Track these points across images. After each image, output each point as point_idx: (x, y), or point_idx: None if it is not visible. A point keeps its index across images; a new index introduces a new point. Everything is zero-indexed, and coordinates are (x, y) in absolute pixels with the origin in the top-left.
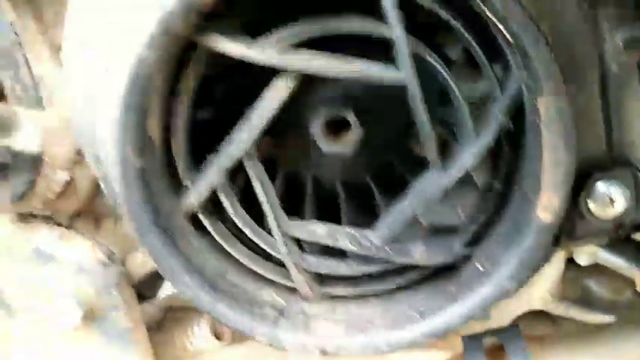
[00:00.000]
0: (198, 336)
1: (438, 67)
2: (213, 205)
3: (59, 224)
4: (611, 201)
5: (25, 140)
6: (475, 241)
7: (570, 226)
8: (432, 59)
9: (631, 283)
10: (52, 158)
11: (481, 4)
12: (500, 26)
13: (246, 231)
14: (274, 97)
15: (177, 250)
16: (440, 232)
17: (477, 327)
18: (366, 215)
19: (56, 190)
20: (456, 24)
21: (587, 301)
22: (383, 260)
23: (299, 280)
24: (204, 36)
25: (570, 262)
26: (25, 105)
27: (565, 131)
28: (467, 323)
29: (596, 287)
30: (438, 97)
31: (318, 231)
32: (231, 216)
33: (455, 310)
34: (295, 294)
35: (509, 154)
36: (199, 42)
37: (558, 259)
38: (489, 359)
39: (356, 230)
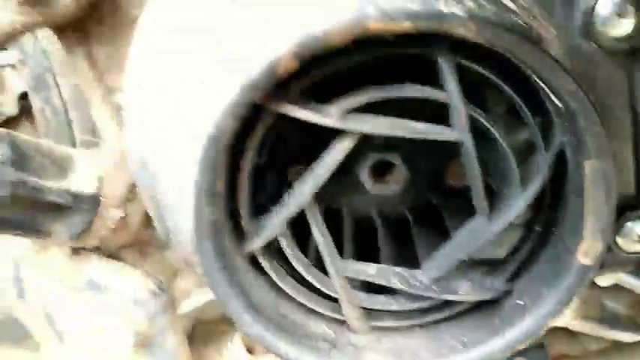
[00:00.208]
0: (231, 350)
1: (487, 124)
2: (267, 245)
3: (109, 255)
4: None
5: (82, 181)
6: (515, 276)
7: None
8: (481, 118)
9: None
10: (107, 197)
11: (533, 74)
12: (552, 96)
13: (301, 270)
14: (336, 154)
15: (240, 291)
16: (481, 266)
17: None
18: (401, 244)
19: (111, 227)
20: (504, 85)
21: (607, 319)
22: (430, 297)
23: (350, 316)
24: (277, 102)
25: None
26: (54, 128)
27: (608, 189)
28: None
29: (616, 305)
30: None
31: (369, 271)
32: (290, 258)
33: (496, 342)
34: (343, 326)
35: (550, 200)
36: (272, 107)
37: None
38: None
39: (405, 270)
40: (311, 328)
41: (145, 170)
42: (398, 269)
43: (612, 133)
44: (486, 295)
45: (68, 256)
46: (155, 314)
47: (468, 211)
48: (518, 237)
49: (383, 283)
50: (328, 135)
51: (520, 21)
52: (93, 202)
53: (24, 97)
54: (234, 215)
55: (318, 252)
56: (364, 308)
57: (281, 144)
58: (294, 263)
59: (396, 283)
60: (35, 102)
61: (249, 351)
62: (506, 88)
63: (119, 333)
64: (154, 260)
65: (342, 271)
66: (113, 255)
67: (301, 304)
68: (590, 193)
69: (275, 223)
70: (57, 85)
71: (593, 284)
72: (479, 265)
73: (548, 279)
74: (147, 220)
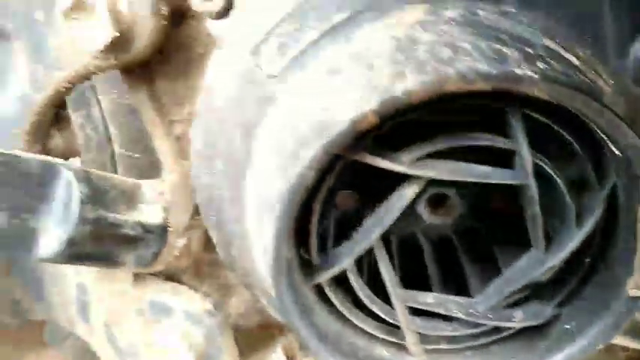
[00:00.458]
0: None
1: (551, 172)
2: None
3: (167, 277)
4: None
5: (151, 212)
6: (563, 301)
7: None
8: (546, 166)
9: None
10: (173, 226)
11: (593, 125)
12: (610, 144)
13: (366, 301)
14: (405, 198)
15: (311, 322)
16: (532, 292)
17: None
18: (444, 261)
19: (176, 255)
20: (564, 131)
21: (636, 329)
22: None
23: (410, 341)
24: (352, 150)
25: None
26: (94, 142)
27: None
28: None
29: None
30: None
31: (428, 300)
32: (356, 290)
33: None
34: (401, 349)
35: (600, 233)
36: (347, 155)
37: None
38: None
39: (462, 299)
40: (372, 352)
41: (212, 207)
42: (455, 298)
43: None
44: (537, 321)
45: (131, 278)
46: (212, 333)
47: (511, 232)
48: (568, 267)
49: (442, 311)
50: None
51: (585, 79)
52: (161, 232)
53: None
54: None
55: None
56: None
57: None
58: (361, 295)
59: (455, 312)
60: (75, 117)
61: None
62: (565, 134)
63: (178, 352)
64: (209, 279)
65: (404, 300)
66: (171, 276)
67: (362, 330)
68: None
69: (345, 261)
70: (98, 102)
71: None
72: (530, 291)
73: (596, 307)
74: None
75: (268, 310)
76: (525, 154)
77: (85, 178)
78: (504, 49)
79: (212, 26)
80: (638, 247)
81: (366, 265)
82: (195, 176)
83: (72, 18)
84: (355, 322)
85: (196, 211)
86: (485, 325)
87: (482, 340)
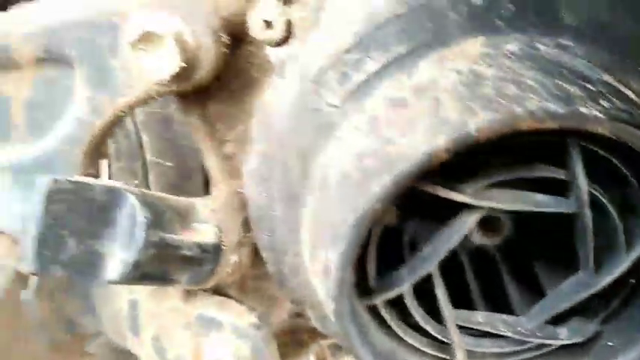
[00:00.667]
0: None
1: (604, 201)
2: None
3: (214, 291)
4: None
5: (205, 231)
6: (606, 319)
7: None
8: (601, 196)
9: None
10: (226, 244)
11: None
12: None
13: (420, 321)
14: (466, 226)
15: (367, 341)
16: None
17: None
18: (483, 277)
19: (228, 272)
20: (616, 160)
21: None
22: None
23: (460, 358)
24: (419, 182)
25: None
26: (125, 149)
27: None
28: None
29: None
30: None
31: (479, 319)
32: (411, 310)
33: None
34: None
35: None
36: (417, 186)
37: None
38: None
39: (510, 318)
40: None
41: (265, 227)
42: (504, 317)
43: None
44: (581, 338)
45: (181, 294)
46: (258, 347)
47: (551, 247)
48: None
49: (491, 330)
50: None
51: None
52: (216, 250)
53: None
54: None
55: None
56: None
57: None
58: (416, 315)
59: (503, 331)
60: None
61: None
62: (618, 163)
63: None
64: (253, 293)
65: (456, 320)
66: (218, 290)
67: (413, 347)
68: None
69: (405, 285)
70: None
71: None
72: (574, 309)
73: (638, 326)
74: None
75: (315, 324)
76: (582, 186)
77: (145, 201)
78: (568, 87)
79: (271, 53)
80: None
81: None
82: (250, 196)
83: (139, 48)
84: (408, 340)
85: (245, 228)
86: (530, 342)
87: (527, 355)
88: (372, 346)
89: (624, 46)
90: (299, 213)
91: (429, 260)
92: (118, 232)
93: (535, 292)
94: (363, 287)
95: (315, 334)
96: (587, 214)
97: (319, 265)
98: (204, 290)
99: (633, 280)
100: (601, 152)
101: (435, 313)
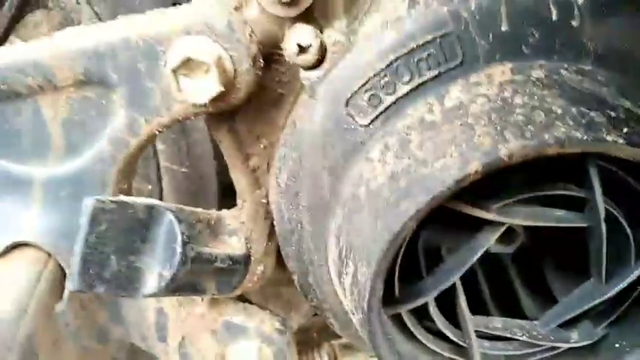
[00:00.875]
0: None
1: (619, 217)
2: None
3: (239, 297)
4: None
5: (235, 243)
6: (614, 322)
7: None
8: (616, 213)
9: None
10: (254, 255)
11: None
12: None
13: (442, 327)
14: (489, 240)
15: (394, 349)
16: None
17: None
18: (498, 286)
19: (255, 281)
20: (629, 178)
21: None
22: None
23: None
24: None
25: None
26: (142, 169)
27: None
28: None
29: None
30: None
31: (497, 325)
32: (433, 317)
33: None
34: None
35: None
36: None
37: None
38: None
39: (525, 323)
40: None
41: (292, 239)
42: (520, 322)
43: None
44: (591, 341)
45: (207, 301)
46: (281, 350)
47: (560, 252)
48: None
49: (508, 335)
50: None
51: None
52: (246, 261)
53: None
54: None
55: None
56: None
57: None
58: (437, 322)
59: (520, 335)
60: None
61: None
62: (631, 180)
63: None
64: (272, 298)
65: (477, 326)
66: (240, 296)
67: (432, 350)
68: None
69: (430, 296)
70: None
71: None
72: (584, 313)
73: None
74: None
75: (337, 330)
76: (600, 203)
77: (180, 217)
78: (592, 114)
79: (304, 75)
80: None
81: None
82: (278, 209)
83: (181, 74)
84: (428, 344)
85: (269, 238)
86: (543, 345)
87: (539, 357)
88: (398, 354)
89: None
90: (327, 226)
91: (453, 272)
92: (157, 248)
93: (542, 291)
94: (387, 296)
95: (327, 334)
96: (603, 229)
97: (348, 276)
98: (230, 297)
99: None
100: (615, 169)
101: (447, 316)
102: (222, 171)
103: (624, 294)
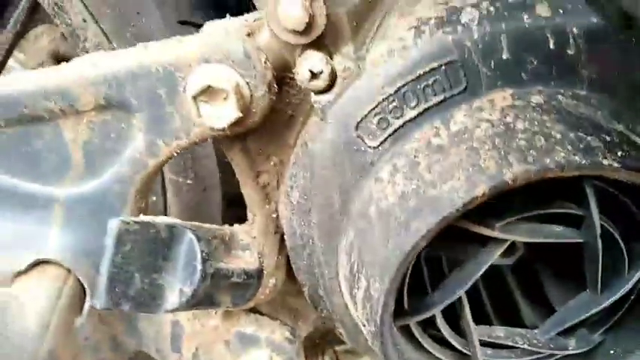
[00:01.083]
0: None
1: (614, 234)
2: None
3: (250, 309)
4: None
5: (248, 257)
6: (609, 328)
7: None
8: (612, 229)
9: None
10: (266, 269)
11: None
12: None
13: (447, 336)
14: (493, 256)
15: (403, 357)
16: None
17: None
18: (497, 295)
19: (267, 293)
20: (626, 198)
21: None
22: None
23: None
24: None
25: None
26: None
27: None
28: None
29: None
30: None
31: (500, 334)
32: (440, 327)
33: None
34: None
35: None
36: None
37: None
38: None
39: (527, 331)
40: None
41: (304, 254)
42: (521, 331)
43: None
44: (588, 348)
45: (220, 313)
46: (291, 359)
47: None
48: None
49: (510, 343)
50: None
51: None
52: (259, 275)
53: None
54: None
55: None
56: None
57: None
58: (444, 332)
59: (521, 344)
60: None
61: None
62: (624, 198)
63: None
64: (281, 307)
65: (481, 335)
66: (252, 307)
67: (435, 357)
68: None
69: (434, 309)
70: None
71: None
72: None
73: (638, 334)
74: None
75: (346, 340)
76: (596, 221)
77: (199, 235)
78: (588, 138)
79: (315, 99)
80: None
81: None
82: (290, 226)
83: (200, 100)
84: (434, 352)
85: (279, 252)
86: (543, 352)
87: None
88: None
89: (632, 94)
90: (337, 242)
91: (459, 286)
92: (177, 266)
93: (540, 299)
94: (396, 309)
95: (330, 340)
96: (599, 245)
97: (360, 291)
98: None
99: (633, 296)
100: (609, 188)
101: (449, 322)
102: (226, 182)
103: (619, 303)
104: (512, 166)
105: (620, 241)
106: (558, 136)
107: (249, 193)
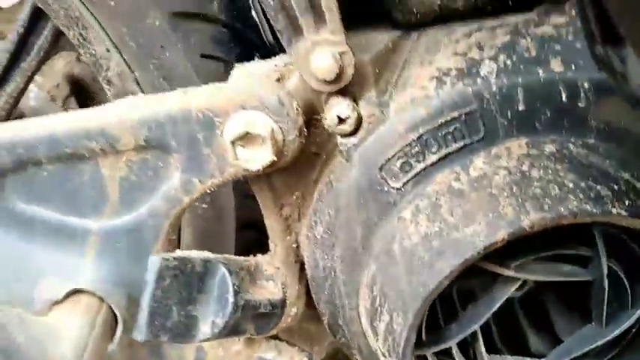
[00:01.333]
0: None
1: (620, 273)
2: None
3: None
4: None
5: (272, 288)
6: (614, 357)
7: None
8: (616, 268)
9: None
10: (289, 298)
11: None
12: None
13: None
14: (507, 293)
15: None
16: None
17: None
18: (506, 325)
19: (288, 322)
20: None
21: None
22: None
23: None
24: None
25: None
26: None
27: None
28: None
29: None
30: None
31: None
32: (455, 357)
33: None
34: None
35: None
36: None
37: None
38: None
39: None
40: None
41: (325, 285)
42: None
43: None
44: None
45: (243, 339)
46: None
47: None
48: None
49: None
50: None
51: None
52: (283, 305)
53: None
54: None
55: None
56: None
57: None
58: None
59: None
60: None
61: None
62: (632, 244)
63: None
64: (297, 333)
65: None
66: (273, 335)
67: None
68: None
69: (450, 341)
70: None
71: None
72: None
73: None
74: None
75: None
76: (604, 262)
77: (230, 268)
78: (598, 187)
79: (341, 141)
80: None
81: None
82: (312, 258)
83: (238, 145)
84: None
85: (300, 281)
86: None
87: None
88: None
89: (637, 143)
90: (359, 275)
91: (474, 321)
92: (211, 298)
93: (547, 329)
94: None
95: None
96: (606, 285)
97: (382, 323)
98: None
99: (634, 329)
100: (616, 232)
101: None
102: (240, 206)
103: (621, 335)
104: (529, 214)
105: (625, 279)
106: (571, 185)
107: (271, 224)
